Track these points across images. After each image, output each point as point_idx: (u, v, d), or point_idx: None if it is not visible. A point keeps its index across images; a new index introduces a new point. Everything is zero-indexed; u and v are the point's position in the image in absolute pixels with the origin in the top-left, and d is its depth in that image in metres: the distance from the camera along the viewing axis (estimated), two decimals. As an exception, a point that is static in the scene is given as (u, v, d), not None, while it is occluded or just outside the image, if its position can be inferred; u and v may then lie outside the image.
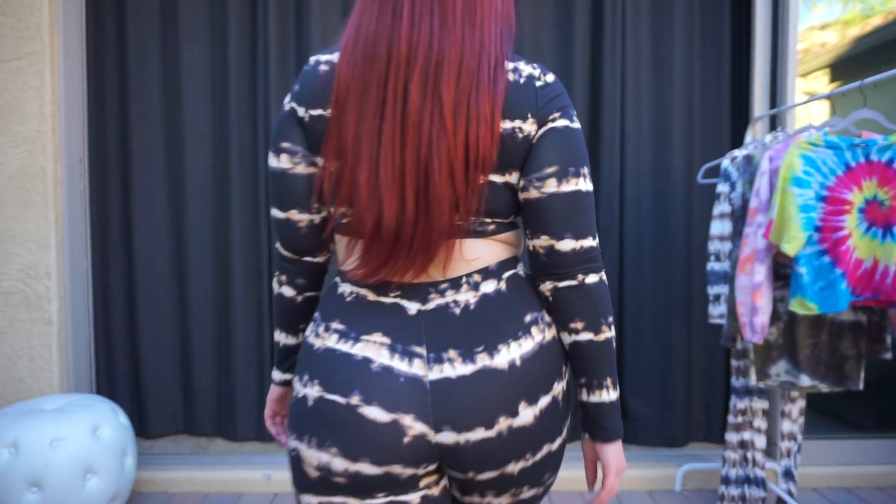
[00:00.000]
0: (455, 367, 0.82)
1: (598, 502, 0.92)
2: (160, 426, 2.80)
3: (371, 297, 0.88)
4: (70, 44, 2.51)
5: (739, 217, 2.16)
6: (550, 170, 0.85)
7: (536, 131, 0.86)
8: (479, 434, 0.82)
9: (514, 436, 0.83)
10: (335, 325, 0.87)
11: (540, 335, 0.87)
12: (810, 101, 2.15)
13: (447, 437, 0.82)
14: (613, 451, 0.91)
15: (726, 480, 2.26)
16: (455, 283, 0.87)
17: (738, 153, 2.25)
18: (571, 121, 0.87)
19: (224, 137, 2.74)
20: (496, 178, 0.86)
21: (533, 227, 0.87)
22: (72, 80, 2.52)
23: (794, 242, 1.79)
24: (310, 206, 0.91)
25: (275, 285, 1.00)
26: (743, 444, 2.24)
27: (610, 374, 0.89)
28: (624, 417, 2.81)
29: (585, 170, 0.87)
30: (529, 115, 0.85)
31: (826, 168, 1.83)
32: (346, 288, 0.91)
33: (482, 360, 0.83)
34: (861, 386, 2.01)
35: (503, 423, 0.82)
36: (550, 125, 0.86)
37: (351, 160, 0.82)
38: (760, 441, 2.22)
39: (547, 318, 0.90)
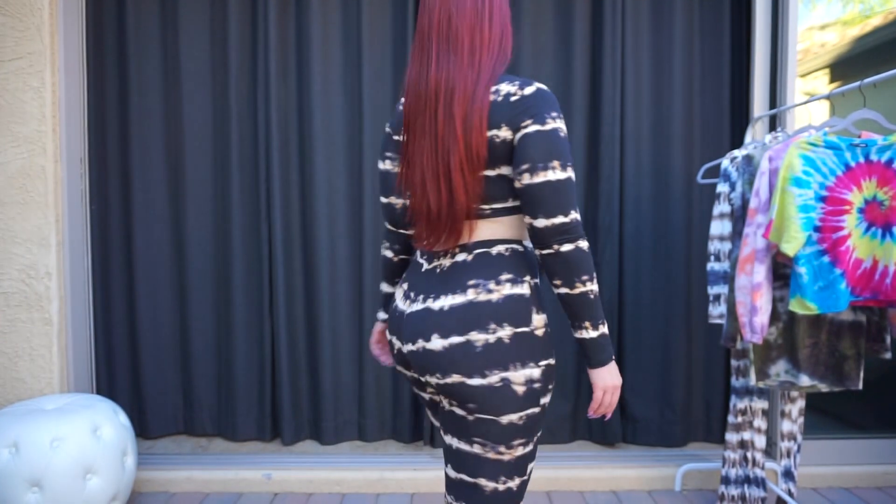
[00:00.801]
0: (416, 305, 1.21)
1: (591, 410, 1.22)
2: (160, 426, 2.80)
3: (419, 260, 1.29)
4: (70, 44, 2.51)
5: (739, 217, 2.16)
6: (524, 166, 1.11)
7: (513, 136, 1.13)
8: (408, 347, 1.21)
9: (426, 355, 1.18)
10: (403, 280, 1.32)
11: (474, 295, 1.16)
12: (810, 101, 2.15)
13: (404, 348, 1.23)
14: (597, 374, 1.19)
15: (726, 480, 2.26)
16: (446, 253, 1.22)
17: (738, 153, 2.25)
18: (543, 124, 1.11)
19: (224, 137, 2.74)
20: (489, 173, 1.15)
21: (522, 209, 1.15)
22: (72, 80, 2.52)
23: (794, 242, 1.79)
24: (402, 194, 1.30)
25: (382, 250, 1.45)
26: (743, 444, 2.24)
27: (588, 318, 1.14)
28: (624, 417, 2.81)
29: (555, 162, 1.11)
30: (503, 125, 1.13)
31: (826, 168, 1.83)
32: (417, 255, 1.32)
33: (427, 303, 1.20)
34: (860, 386, 2.01)
35: (420, 344, 1.19)
36: (523, 131, 1.12)
37: (409, 167, 1.19)
38: (760, 441, 2.22)
39: (491, 285, 1.16)
